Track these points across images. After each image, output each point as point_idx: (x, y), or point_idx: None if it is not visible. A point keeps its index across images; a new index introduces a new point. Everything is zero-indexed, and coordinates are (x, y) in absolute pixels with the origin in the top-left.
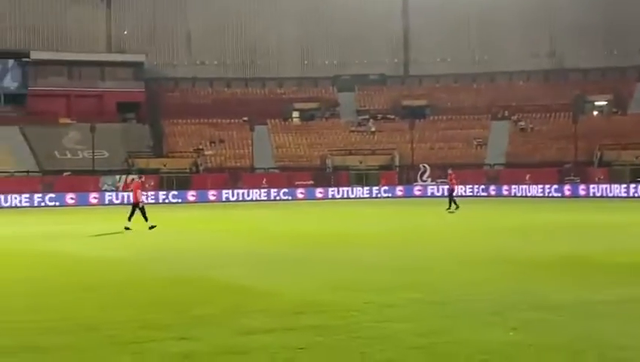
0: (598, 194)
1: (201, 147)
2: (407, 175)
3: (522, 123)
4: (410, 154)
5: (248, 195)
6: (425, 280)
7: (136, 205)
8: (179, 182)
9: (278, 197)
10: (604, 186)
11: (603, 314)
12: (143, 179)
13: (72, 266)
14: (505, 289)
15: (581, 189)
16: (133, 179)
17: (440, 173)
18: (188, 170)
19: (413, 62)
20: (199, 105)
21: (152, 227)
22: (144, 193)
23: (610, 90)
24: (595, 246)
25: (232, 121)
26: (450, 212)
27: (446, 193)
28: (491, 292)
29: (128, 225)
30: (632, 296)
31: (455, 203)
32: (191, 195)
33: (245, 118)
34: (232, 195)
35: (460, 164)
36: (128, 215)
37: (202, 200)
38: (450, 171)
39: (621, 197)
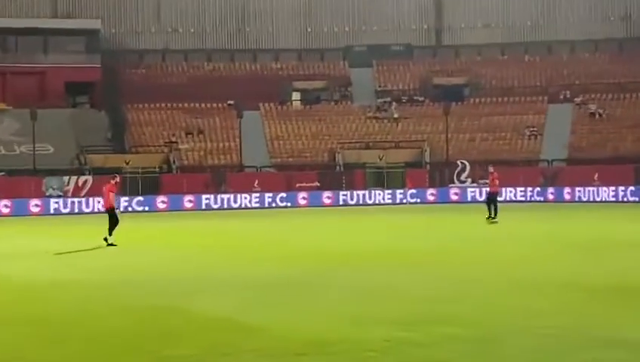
0: None
1: (174, 139)
2: (440, 174)
3: (589, 106)
4: (444, 148)
5: (235, 201)
6: (464, 310)
7: (111, 211)
8: (146, 184)
9: (273, 204)
10: None
11: None
12: (117, 179)
13: (15, 294)
14: (571, 323)
15: None
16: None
17: (482, 171)
18: (157, 170)
19: (447, 29)
20: (171, 86)
21: (110, 244)
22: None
23: None
24: None
25: (214, 105)
26: (492, 221)
27: (485, 197)
28: (552, 326)
29: (112, 241)
30: None
31: (496, 210)
32: (161, 202)
33: (231, 102)
34: (215, 201)
35: (509, 161)
36: (108, 226)
37: (176, 207)
38: (491, 169)
39: None
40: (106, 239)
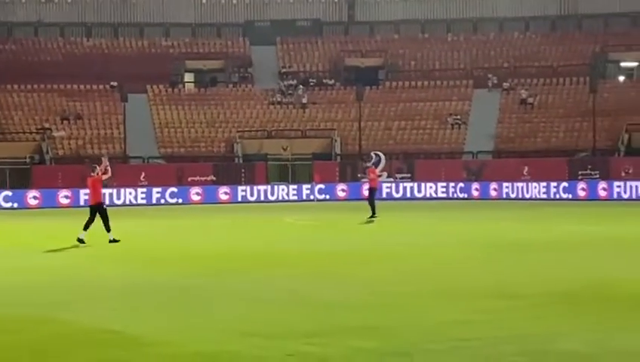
0: (625, 196)
1: (47, 125)
2: (352, 168)
3: (519, 93)
4: (356, 138)
5: (119, 197)
6: (381, 321)
7: (99, 206)
8: (14, 177)
9: (162, 200)
10: (633, 184)
11: None
12: (99, 171)
13: None
14: (494, 334)
15: (601, 188)
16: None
17: (400, 164)
18: (28, 161)
19: (360, 3)
20: (45, 64)
21: (82, 239)
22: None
23: None
24: (619, 272)
25: (95, 87)
26: (370, 220)
27: (375, 195)
28: (475, 337)
29: (113, 237)
30: None
31: (373, 208)
32: (32, 197)
33: (114, 83)
34: None
35: (429, 152)
36: (103, 225)
37: (49, 204)
38: (368, 164)
39: None
40: (112, 240)
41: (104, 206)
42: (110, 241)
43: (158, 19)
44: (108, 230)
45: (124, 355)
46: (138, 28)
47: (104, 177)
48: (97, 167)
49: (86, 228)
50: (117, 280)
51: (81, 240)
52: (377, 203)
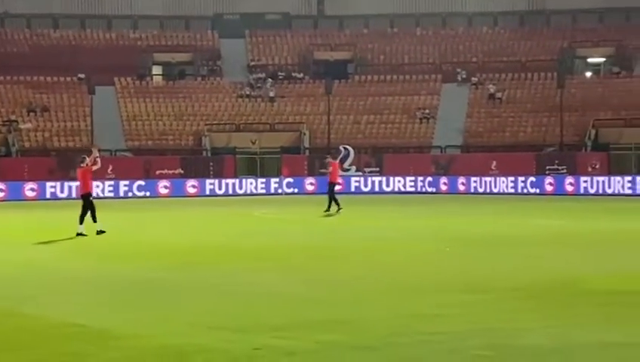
0: (592, 191)
1: (13, 118)
2: (320, 161)
3: (487, 87)
4: (325, 131)
5: None
6: (349, 315)
7: (87, 197)
8: None
9: (130, 194)
10: (600, 179)
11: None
12: (89, 162)
13: None
14: (460, 328)
15: (568, 183)
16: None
17: (369, 158)
18: None
19: None
20: (11, 56)
21: (80, 234)
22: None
23: (609, 42)
24: (585, 267)
25: (62, 79)
26: (327, 213)
27: (334, 188)
28: (441, 331)
29: (101, 228)
30: (624, 336)
31: (336, 202)
32: None
33: (81, 76)
34: (62, 190)
35: (398, 146)
36: (90, 215)
37: (15, 196)
38: (329, 159)
39: (624, 194)
40: (99, 231)
41: (92, 197)
42: (99, 230)
43: (126, 12)
44: (94, 220)
45: (88, 349)
46: (106, 20)
47: (93, 168)
48: (87, 158)
49: (81, 221)
50: (84, 273)
51: (81, 234)
52: (341, 197)
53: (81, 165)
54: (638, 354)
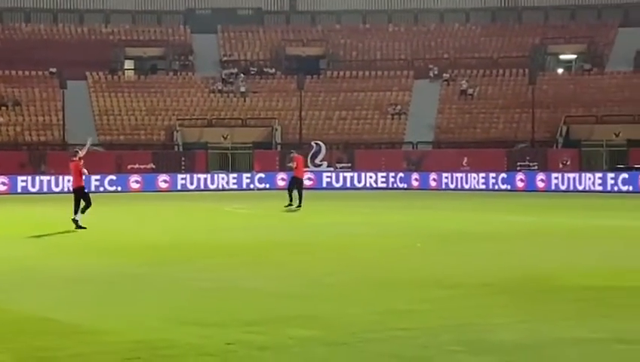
0: (563, 187)
1: None
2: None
3: (459, 83)
4: (297, 127)
5: (57, 185)
6: (321, 310)
7: (81, 191)
8: None
9: (101, 188)
10: (571, 176)
11: (556, 358)
12: (80, 155)
13: None
14: (432, 323)
15: (539, 180)
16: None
17: (341, 154)
18: None
19: None
20: None
21: (79, 227)
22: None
23: (581, 39)
24: (556, 263)
25: (33, 73)
26: (289, 209)
27: (295, 183)
28: (413, 327)
29: (82, 223)
30: (595, 332)
31: (300, 198)
32: None
33: (53, 70)
34: (33, 184)
35: (370, 142)
36: (81, 207)
37: None
38: (294, 154)
39: (595, 191)
40: (75, 221)
41: (84, 190)
42: (73, 220)
43: (98, 6)
44: (82, 211)
45: (60, 343)
46: (78, 14)
47: (74, 168)
48: (79, 151)
49: (76, 212)
50: (57, 269)
51: (79, 226)
52: (313, 192)
53: (74, 158)
54: (608, 350)
